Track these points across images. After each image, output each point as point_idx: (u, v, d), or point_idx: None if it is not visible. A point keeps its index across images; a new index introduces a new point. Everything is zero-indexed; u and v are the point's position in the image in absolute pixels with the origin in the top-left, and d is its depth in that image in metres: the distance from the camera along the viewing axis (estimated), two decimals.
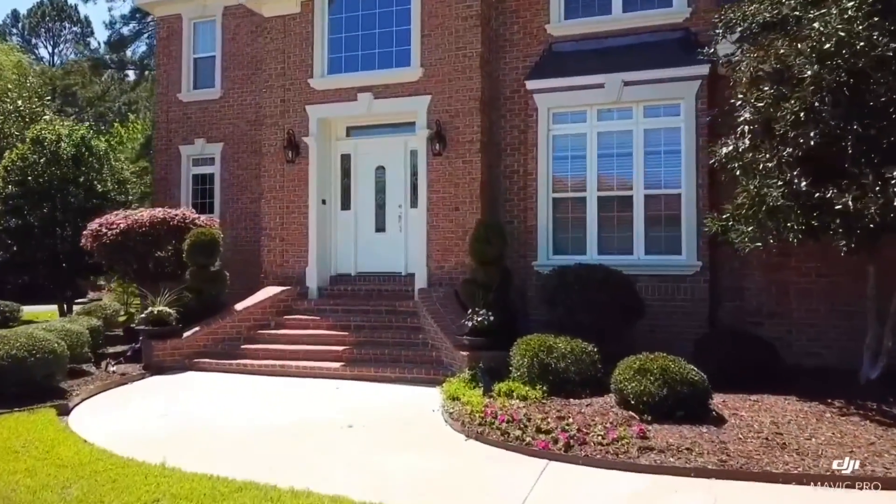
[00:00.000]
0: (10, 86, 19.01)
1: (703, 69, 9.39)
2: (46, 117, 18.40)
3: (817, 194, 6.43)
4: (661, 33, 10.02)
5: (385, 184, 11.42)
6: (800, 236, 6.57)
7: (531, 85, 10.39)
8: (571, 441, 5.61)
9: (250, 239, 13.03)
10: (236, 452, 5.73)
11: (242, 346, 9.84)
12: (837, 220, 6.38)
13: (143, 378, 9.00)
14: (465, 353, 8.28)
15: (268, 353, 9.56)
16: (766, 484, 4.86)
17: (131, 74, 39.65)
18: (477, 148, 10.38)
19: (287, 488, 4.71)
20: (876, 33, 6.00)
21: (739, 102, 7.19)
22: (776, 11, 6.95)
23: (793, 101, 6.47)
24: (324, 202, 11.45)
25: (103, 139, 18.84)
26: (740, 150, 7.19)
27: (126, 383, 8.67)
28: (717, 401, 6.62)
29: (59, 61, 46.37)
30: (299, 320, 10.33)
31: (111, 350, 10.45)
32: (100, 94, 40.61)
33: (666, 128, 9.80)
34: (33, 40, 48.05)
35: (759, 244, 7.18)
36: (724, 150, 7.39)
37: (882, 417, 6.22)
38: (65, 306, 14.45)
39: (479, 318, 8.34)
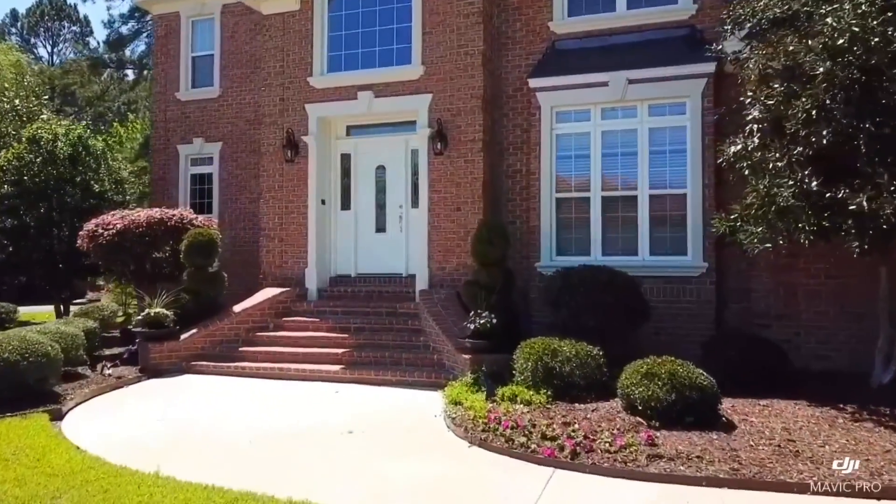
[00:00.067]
0: (6, 84, 18.84)
1: (710, 67, 9.23)
2: (44, 116, 18.22)
3: (828, 194, 6.27)
4: (666, 30, 9.86)
5: (385, 183, 11.26)
6: (811, 237, 6.41)
7: (534, 83, 10.23)
8: (578, 448, 5.45)
9: (249, 239, 12.89)
10: (233, 460, 5.57)
11: (241, 349, 9.68)
12: (850, 221, 6.22)
13: (139, 381, 8.84)
14: (467, 357, 8.12)
15: (266, 356, 9.40)
16: (781, 494, 4.71)
17: (130, 74, 39.50)
18: (479, 147, 10.23)
19: (285, 499, 4.56)
20: (891, 29, 5.85)
21: (749, 100, 7.03)
22: (786, 7, 6.79)
23: (804, 99, 6.30)
24: (323, 202, 11.29)
25: (101, 139, 18.67)
26: (749, 148, 7.02)
27: (122, 387, 8.51)
28: (726, 406, 6.46)
29: (58, 61, 46.19)
30: (298, 322, 10.17)
31: (107, 352, 10.28)
32: (99, 93, 40.44)
33: (671, 126, 9.64)
34: (32, 40, 47.87)
35: (769, 245, 7.02)
36: (733, 148, 7.23)
37: None
38: (61, 307, 14.29)
39: (481, 321, 8.17)
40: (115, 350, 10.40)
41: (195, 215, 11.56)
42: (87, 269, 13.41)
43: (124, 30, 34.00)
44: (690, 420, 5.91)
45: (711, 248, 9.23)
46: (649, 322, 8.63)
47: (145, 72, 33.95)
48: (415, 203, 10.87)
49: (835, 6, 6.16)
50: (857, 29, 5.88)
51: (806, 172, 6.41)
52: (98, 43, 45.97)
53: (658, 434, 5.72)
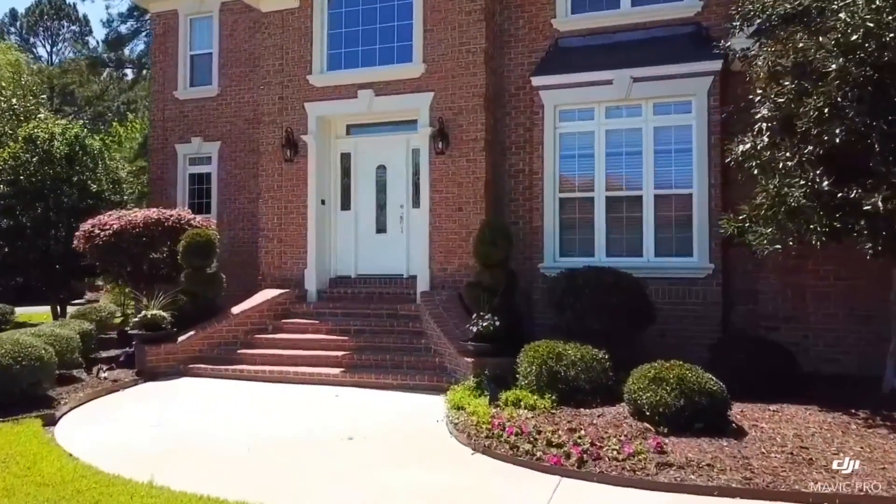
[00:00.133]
0: (3, 84, 18.66)
1: (716, 64, 9.08)
2: (41, 115, 18.05)
3: (840, 194, 6.12)
4: (672, 28, 9.70)
5: (386, 183, 11.10)
6: (823, 238, 6.25)
7: (537, 81, 10.07)
8: (585, 456, 5.29)
9: (248, 240, 12.73)
10: (229, 468, 5.41)
11: (239, 351, 9.52)
12: (862, 222, 6.07)
13: (135, 385, 8.69)
14: (469, 360, 7.96)
15: (265, 359, 9.24)
16: None
17: (129, 73, 39.35)
18: (481, 146, 10.07)
19: None
20: None
21: (759, 98, 6.87)
22: (797, 2, 6.63)
23: (816, 97, 6.15)
24: (323, 202, 11.13)
25: (98, 138, 18.50)
26: (758, 147, 6.86)
27: (117, 390, 8.35)
28: (735, 411, 6.29)
29: (57, 60, 46.00)
30: (298, 324, 10.01)
31: (104, 354, 10.13)
32: (98, 93, 40.29)
33: (677, 125, 9.48)
34: (31, 39, 47.64)
35: (779, 246, 6.87)
36: (741, 147, 7.07)
37: None
38: (58, 308, 14.14)
39: (484, 323, 8.01)
40: (112, 352, 10.25)
41: (193, 215, 11.39)
42: (85, 270, 13.22)
43: (123, 29, 33.86)
44: (700, 426, 5.76)
45: (717, 248, 9.07)
46: (654, 324, 8.48)
47: (144, 71, 33.79)
48: (416, 203, 10.71)
49: (848, 1, 6.00)
50: (871, 24, 5.72)
51: (817, 172, 6.25)
52: (97, 42, 45.81)
53: (667, 441, 5.57)
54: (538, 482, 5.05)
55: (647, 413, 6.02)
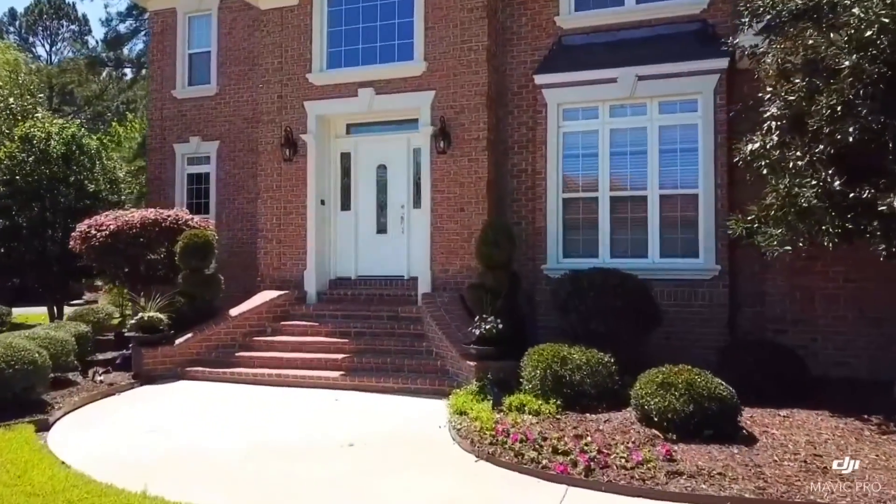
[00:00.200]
0: (0, 83, 18.49)
1: (722, 62, 8.93)
2: (38, 114, 17.88)
3: (853, 194, 5.96)
4: (677, 25, 9.54)
5: (387, 183, 10.94)
6: (836, 240, 6.09)
7: (540, 80, 9.92)
8: (592, 464, 5.13)
9: (247, 241, 12.58)
10: (226, 476, 5.26)
11: (237, 354, 9.36)
12: (876, 223, 5.92)
13: (132, 388, 8.53)
14: (472, 363, 7.80)
15: (264, 362, 9.09)
16: None
17: (128, 73, 39.19)
18: (483, 146, 9.91)
19: None
20: None
21: (768, 96, 6.71)
22: None
23: (828, 95, 5.99)
24: (323, 202, 10.97)
25: (95, 137, 18.31)
26: (768, 146, 6.70)
27: (113, 394, 8.20)
28: (745, 416, 6.14)
29: (56, 60, 45.82)
30: (297, 326, 9.85)
31: (100, 357, 9.96)
32: (97, 92, 40.10)
33: (682, 124, 9.32)
34: (31, 38, 47.46)
35: (789, 248, 6.70)
36: (750, 146, 6.91)
37: None
38: (55, 309, 13.98)
39: (487, 326, 7.85)
40: (109, 355, 10.08)
41: (191, 216, 11.23)
42: (82, 271, 13.07)
43: (122, 28, 33.77)
44: (709, 433, 5.61)
45: (724, 249, 8.92)
46: (660, 326, 8.32)
47: (143, 70, 33.59)
48: (417, 203, 10.55)
49: None
50: (886, 20, 5.56)
51: (829, 172, 6.09)
52: (96, 42, 45.62)
53: (676, 448, 5.42)
54: (544, 491, 4.90)
55: (655, 419, 5.87)
